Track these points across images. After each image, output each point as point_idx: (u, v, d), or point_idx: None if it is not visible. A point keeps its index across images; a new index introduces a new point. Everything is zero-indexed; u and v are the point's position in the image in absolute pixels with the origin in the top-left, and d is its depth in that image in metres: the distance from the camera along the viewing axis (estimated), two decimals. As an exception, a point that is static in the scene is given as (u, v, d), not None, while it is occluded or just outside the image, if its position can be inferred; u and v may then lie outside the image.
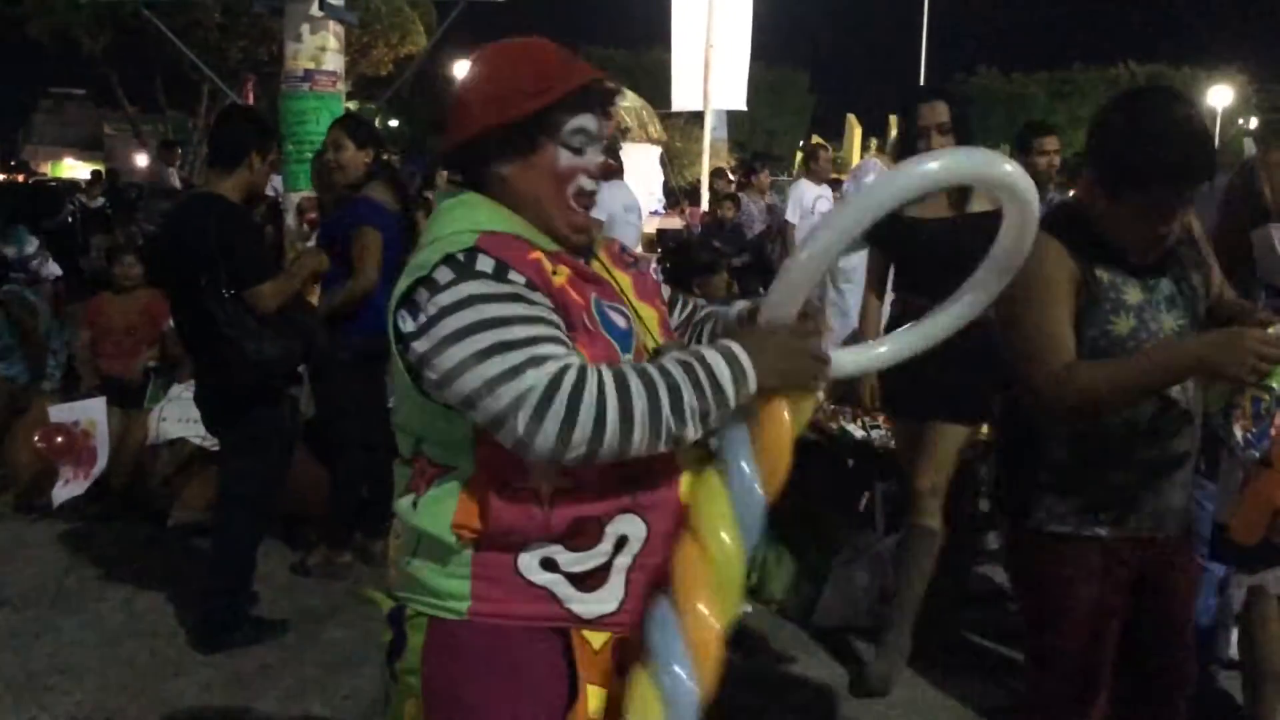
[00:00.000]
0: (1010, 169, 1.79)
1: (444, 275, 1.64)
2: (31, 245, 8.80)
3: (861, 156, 13.71)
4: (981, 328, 3.76)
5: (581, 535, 1.71)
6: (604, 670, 1.75)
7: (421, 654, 1.77)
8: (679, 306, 2.08)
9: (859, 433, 4.96)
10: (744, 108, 7.93)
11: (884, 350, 2.06)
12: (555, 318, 1.66)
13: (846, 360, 1.97)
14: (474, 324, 1.59)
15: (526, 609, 1.72)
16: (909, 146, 3.86)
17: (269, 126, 4.59)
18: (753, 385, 1.66)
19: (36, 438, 5.64)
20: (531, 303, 1.64)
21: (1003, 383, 2.58)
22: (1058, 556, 2.43)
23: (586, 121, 1.78)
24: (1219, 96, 40.43)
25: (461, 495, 1.70)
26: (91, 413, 5.75)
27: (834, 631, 4.42)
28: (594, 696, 1.74)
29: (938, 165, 1.73)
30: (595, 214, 1.87)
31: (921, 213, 3.72)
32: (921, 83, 34.71)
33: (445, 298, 1.62)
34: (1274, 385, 2.14)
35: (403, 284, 1.69)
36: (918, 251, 3.89)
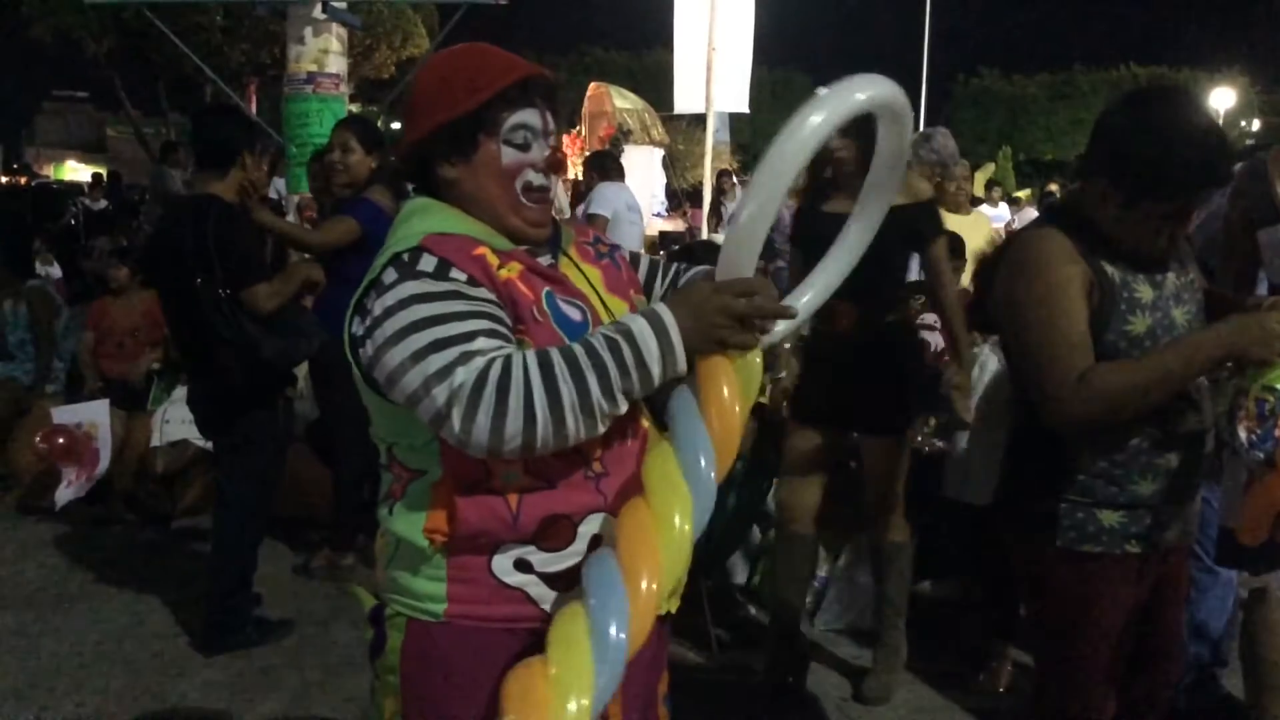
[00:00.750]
0: (888, 87, 1.79)
1: (389, 276, 1.67)
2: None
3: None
4: (891, 342, 3.78)
5: (554, 536, 1.70)
6: None
7: (400, 653, 1.78)
8: (665, 274, 2.06)
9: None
10: (746, 110, 7.93)
11: (807, 299, 2.01)
12: (498, 312, 1.67)
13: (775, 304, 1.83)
14: (411, 324, 1.61)
15: (502, 610, 1.73)
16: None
17: (251, 120, 4.58)
18: (680, 359, 1.64)
19: (39, 439, 5.64)
20: (471, 298, 1.65)
21: (1016, 392, 2.52)
22: (1087, 575, 2.36)
23: (527, 117, 1.80)
24: (1221, 99, 40.38)
25: (431, 499, 1.71)
26: (94, 414, 5.76)
27: (837, 633, 4.42)
28: None
29: (827, 106, 1.73)
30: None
31: (835, 208, 3.70)
32: (924, 85, 34.78)
33: (388, 298, 1.65)
34: (1279, 386, 2.14)
35: (359, 291, 1.72)
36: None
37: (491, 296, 1.68)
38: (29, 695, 3.85)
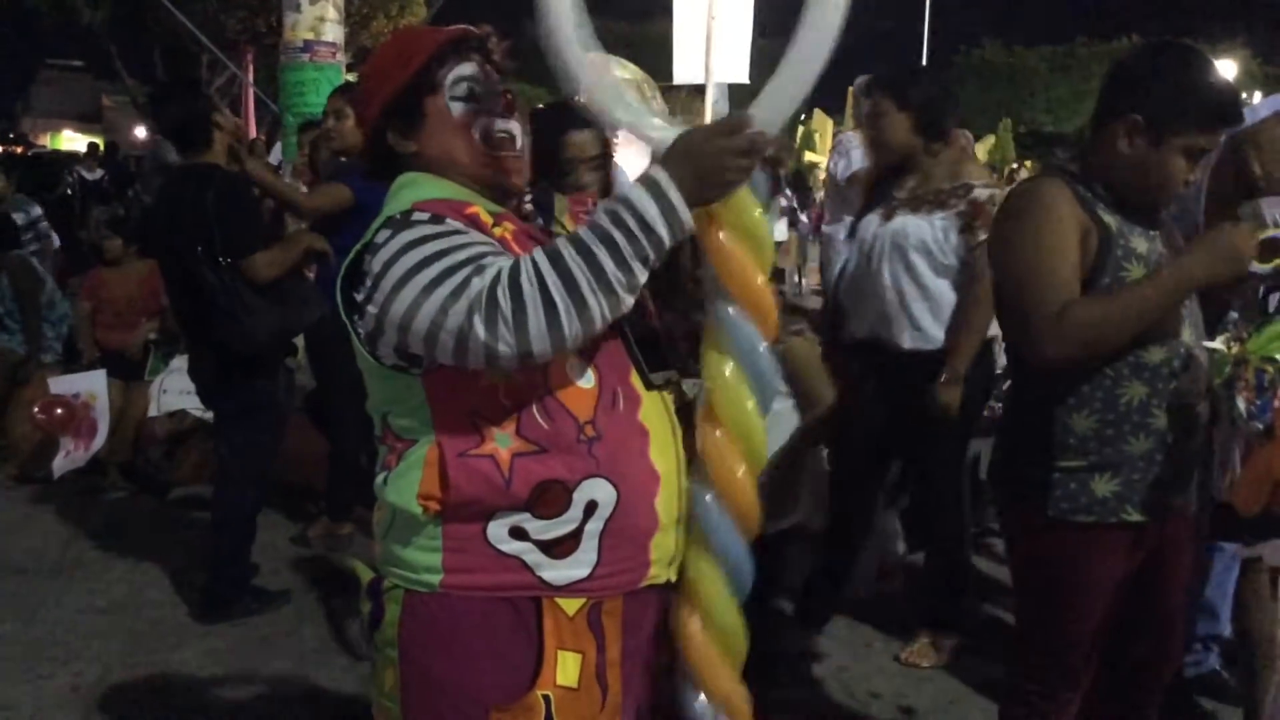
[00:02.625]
0: None
1: (383, 235, 1.69)
2: (35, 210, 8.83)
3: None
4: None
5: (548, 502, 1.70)
6: (579, 634, 1.75)
7: (398, 626, 1.78)
8: None
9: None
10: (747, 80, 7.86)
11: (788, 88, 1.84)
12: (499, 247, 1.69)
13: (759, 116, 1.74)
14: (416, 264, 1.61)
15: (498, 579, 1.72)
16: (560, 173, 3.62)
17: (195, 82, 4.57)
18: (684, 215, 1.61)
19: (37, 409, 5.64)
20: (470, 234, 1.68)
21: (1011, 357, 2.55)
22: (1078, 545, 2.37)
23: (465, 69, 1.83)
24: (1222, 71, 40.23)
25: (425, 467, 1.70)
26: (92, 385, 5.76)
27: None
28: (568, 662, 1.74)
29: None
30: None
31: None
32: (924, 58, 34.61)
33: (385, 252, 1.65)
34: (1278, 356, 2.14)
35: (350, 257, 1.73)
36: None
37: (491, 238, 1.69)
38: (28, 664, 3.86)
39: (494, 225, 1.74)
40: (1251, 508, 2.39)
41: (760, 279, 1.76)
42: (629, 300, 1.62)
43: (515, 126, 1.86)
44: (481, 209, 1.76)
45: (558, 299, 1.55)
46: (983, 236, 3.41)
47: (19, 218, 8.56)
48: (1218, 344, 2.36)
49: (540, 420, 1.68)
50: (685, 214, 1.61)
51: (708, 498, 1.79)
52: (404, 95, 1.81)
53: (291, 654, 3.96)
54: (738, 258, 1.74)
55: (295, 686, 3.75)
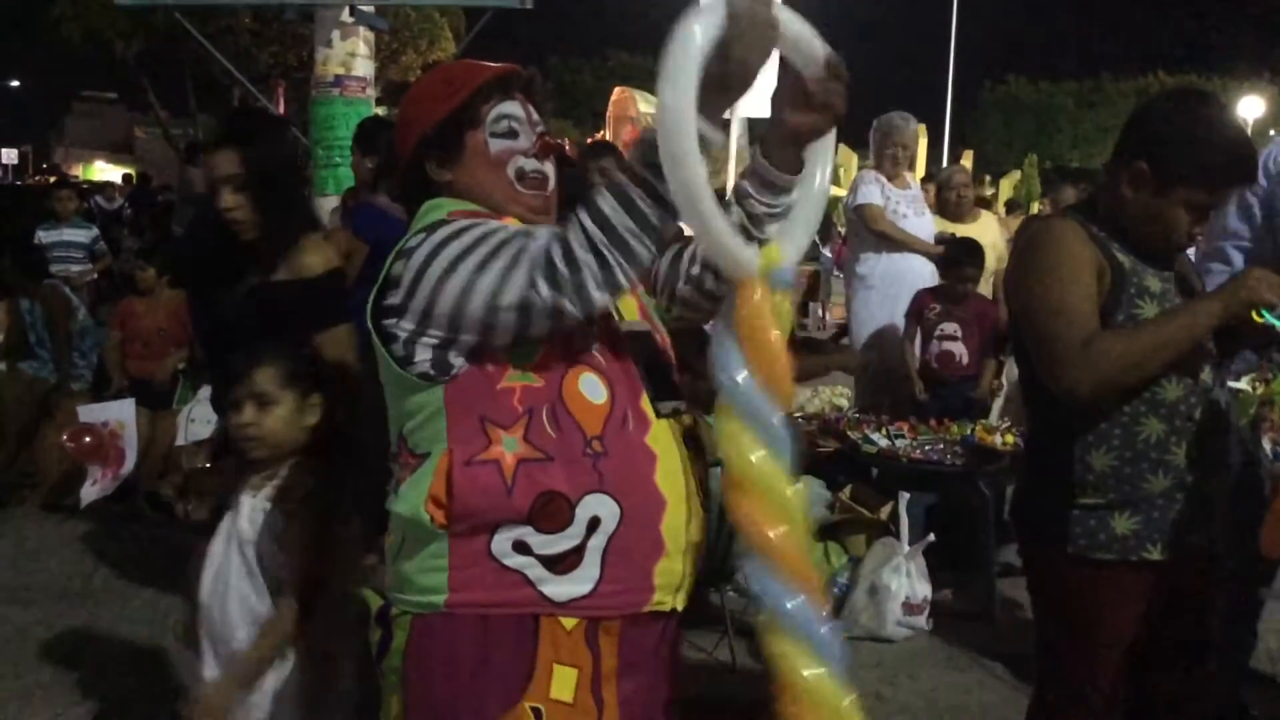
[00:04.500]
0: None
1: (418, 239, 1.75)
2: (94, 231, 9.20)
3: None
4: None
5: (550, 515, 1.70)
6: (576, 650, 1.76)
7: (403, 652, 1.80)
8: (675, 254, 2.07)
9: (883, 441, 4.95)
10: (768, 115, 7.89)
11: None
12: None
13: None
14: (464, 249, 1.70)
15: (501, 595, 1.73)
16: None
17: (280, 119, 4.64)
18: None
19: (65, 437, 5.68)
20: (506, 224, 1.77)
21: (1030, 394, 2.54)
22: (1098, 583, 2.36)
23: (508, 108, 1.89)
24: (1250, 108, 40.15)
25: (434, 475, 1.73)
26: (120, 413, 5.80)
27: (857, 640, 4.41)
28: (563, 676, 1.75)
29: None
30: None
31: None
32: (950, 92, 34.66)
33: (425, 248, 1.72)
34: None
35: (384, 272, 1.77)
36: None
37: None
38: (51, 692, 3.88)
39: None
40: (1277, 551, 2.38)
41: (781, 350, 1.74)
42: (662, 236, 1.68)
43: (549, 169, 1.92)
44: (514, 220, 1.83)
45: (609, 256, 1.63)
46: None
47: (82, 237, 8.86)
48: (1243, 384, 2.35)
49: (549, 428, 1.71)
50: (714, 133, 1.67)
51: (755, 563, 1.73)
52: (445, 126, 1.86)
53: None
54: (761, 328, 1.73)
55: (317, 718, 3.74)
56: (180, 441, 5.84)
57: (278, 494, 2.51)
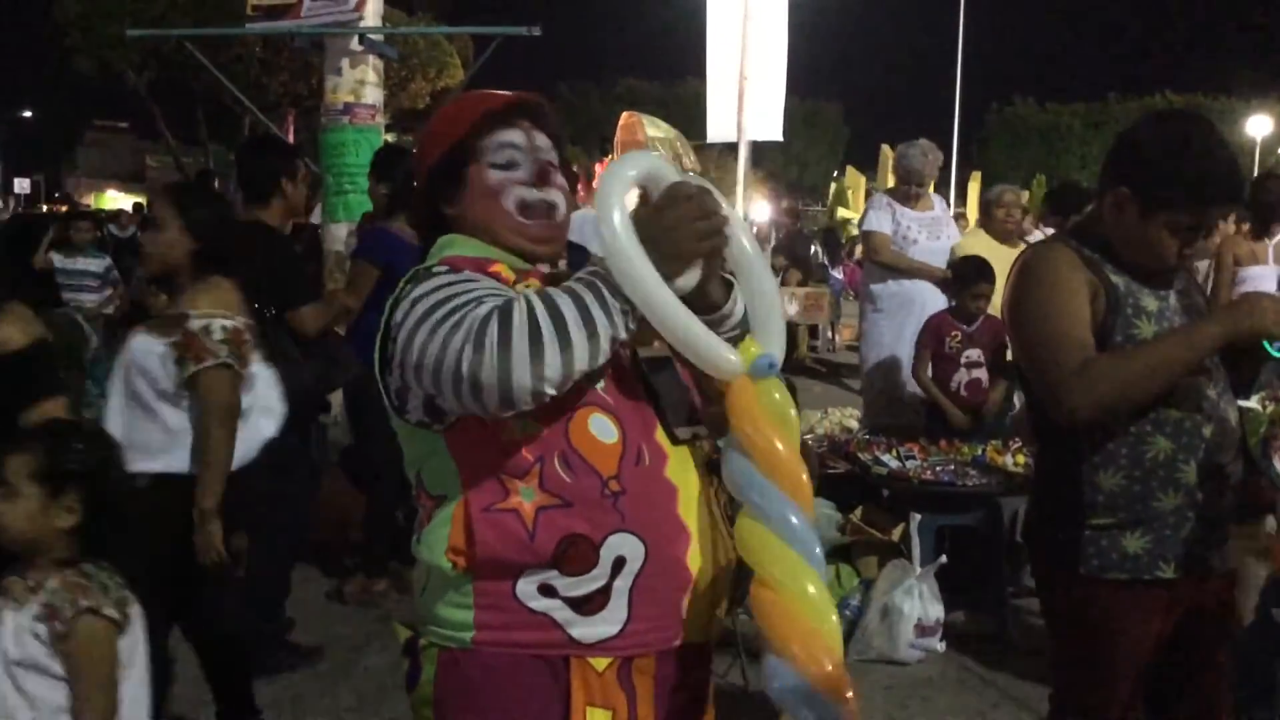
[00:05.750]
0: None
1: (406, 290, 1.74)
2: (107, 260, 9.27)
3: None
4: None
5: (574, 559, 1.69)
6: (609, 692, 1.75)
7: (433, 685, 1.79)
8: None
9: (894, 463, 4.94)
10: (780, 139, 7.91)
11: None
12: (507, 290, 1.72)
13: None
14: (429, 308, 1.66)
15: (528, 636, 1.73)
16: None
17: (290, 147, 4.70)
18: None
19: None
20: (483, 281, 1.72)
21: (1037, 417, 2.54)
22: (1112, 604, 2.36)
23: (510, 136, 1.87)
24: (1258, 127, 40.16)
25: (452, 522, 1.72)
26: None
27: (869, 663, 4.39)
28: (598, 718, 1.74)
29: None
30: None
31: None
32: (957, 114, 34.71)
33: (405, 304, 1.70)
34: None
35: (384, 317, 1.77)
36: None
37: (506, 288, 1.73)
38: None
39: (515, 282, 1.77)
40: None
41: (790, 454, 1.71)
42: (609, 350, 1.64)
43: (554, 196, 1.88)
44: (505, 267, 1.80)
45: (544, 330, 1.57)
46: (194, 368, 3.09)
47: (96, 266, 8.96)
48: (1253, 403, 2.35)
49: (563, 474, 1.69)
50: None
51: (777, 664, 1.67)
52: (447, 161, 1.86)
53: (326, 711, 3.96)
54: (767, 437, 1.70)
55: (329, 744, 3.74)
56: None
57: (44, 612, 2.22)
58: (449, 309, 1.63)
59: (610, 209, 1.64)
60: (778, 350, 1.79)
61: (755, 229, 14.91)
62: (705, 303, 1.74)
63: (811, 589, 1.66)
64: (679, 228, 1.65)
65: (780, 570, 1.66)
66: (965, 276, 5.57)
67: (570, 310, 1.59)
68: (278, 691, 4.09)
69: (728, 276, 1.82)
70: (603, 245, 1.64)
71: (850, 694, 1.65)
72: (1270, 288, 5.70)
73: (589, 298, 1.61)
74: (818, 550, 1.69)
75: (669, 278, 1.65)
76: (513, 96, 1.89)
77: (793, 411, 1.76)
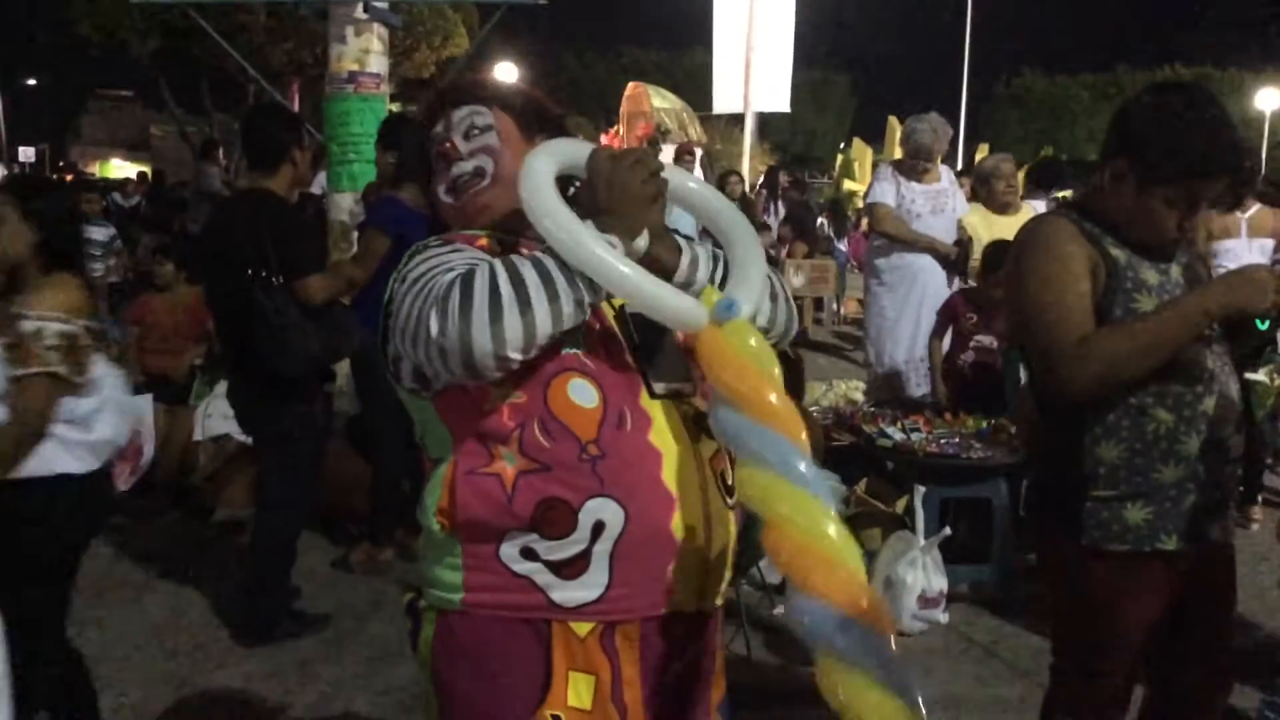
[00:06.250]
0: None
1: (404, 263, 1.80)
2: (111, 229, 9.33)
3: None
4: None
5: (553, 522, 1.70)
6: (591, 656, 1.76)
7: (430, 645, 1.82)
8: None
9: (898, 435, 4.94)
10: (787, 110, 7.86)
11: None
12: (487, 258, 1.75)
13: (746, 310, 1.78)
14: (415, 278, 1.72)
15: (512, 599, 1.74)
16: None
17: (298, 118, 4.67)
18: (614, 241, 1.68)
19: (84, 433, 5.72)
20: (471, 250, 1.79)
21: (1038, 392, 2.54)
22: (1114, 575, 2.37)
23: (436, 130, 1.96)
24: (1267, 99, 39.88)
25: (442, 485, 1.75)
26: (138, 409, 5.83)
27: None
28: (580, 683, 1.75)
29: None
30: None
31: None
32: (964, 86, 34.54)
33: (400, 275, 1.77)
34: None
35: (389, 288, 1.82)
36: None
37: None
38: (73, 684, 3.90)
39: (503, 254, 1.78)
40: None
41: (778, 397, 1.66)
42: (573, 311, 1.65)
43: (470, 164, 1.91)
44: (489, 239, 1.85)
45: (503, 294, 1.60)
46: (17, 372, 2.82)
47: (100, 234, 8.98)
48: (1260, 376, 2.35)
49: (542, 439, 1.70)
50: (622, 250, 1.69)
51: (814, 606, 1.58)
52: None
53: (331, 678, 3.99)
54: (749, 383, 1.66)
55: (334, 711, 3.77)
56: (198, 437, 5.89)
57: None
58: (428, 278, 1.69)
59: (537, 198, 1.68)
60: (749, 302, 1.77)
61: (762, 196, 14.85)
62: (657, 268, 1.75)
63: (825, 522, 1.59)
64: (626, 184, 1.70)
65: (788, 506, 1.61)
66: (990, 264, 5.44)
67: (531, 274, 1.63)
68: (283, 658, 4.13)
69: (679, 240, 1.83)
70: (541, 230, 1.67)
71: (888, 619, 1.60)
72: (1244, 261, 5.68)
73: (550, 263, 1.64)
74: (825, 483, 1.64)
75: (630, 236, 1.69)
76: (434, 92, 2.01)
77: (771, 354, 1.72)
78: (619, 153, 1.75)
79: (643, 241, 1.72)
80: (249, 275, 4.03)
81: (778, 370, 1.70)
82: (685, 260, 1.81)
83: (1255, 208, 6.15)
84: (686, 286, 1.80)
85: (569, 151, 1.78)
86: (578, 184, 1.81)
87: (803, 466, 1.62)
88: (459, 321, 1.59)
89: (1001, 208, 6.27)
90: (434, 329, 1.61)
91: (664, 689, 1.84)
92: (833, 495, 1.65)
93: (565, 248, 1.64)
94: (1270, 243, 5.98)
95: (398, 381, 1.81)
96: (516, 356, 1.62)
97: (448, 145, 1.92)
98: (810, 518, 1.60)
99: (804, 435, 1.66)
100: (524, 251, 1.77)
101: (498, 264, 1.64)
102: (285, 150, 4.22)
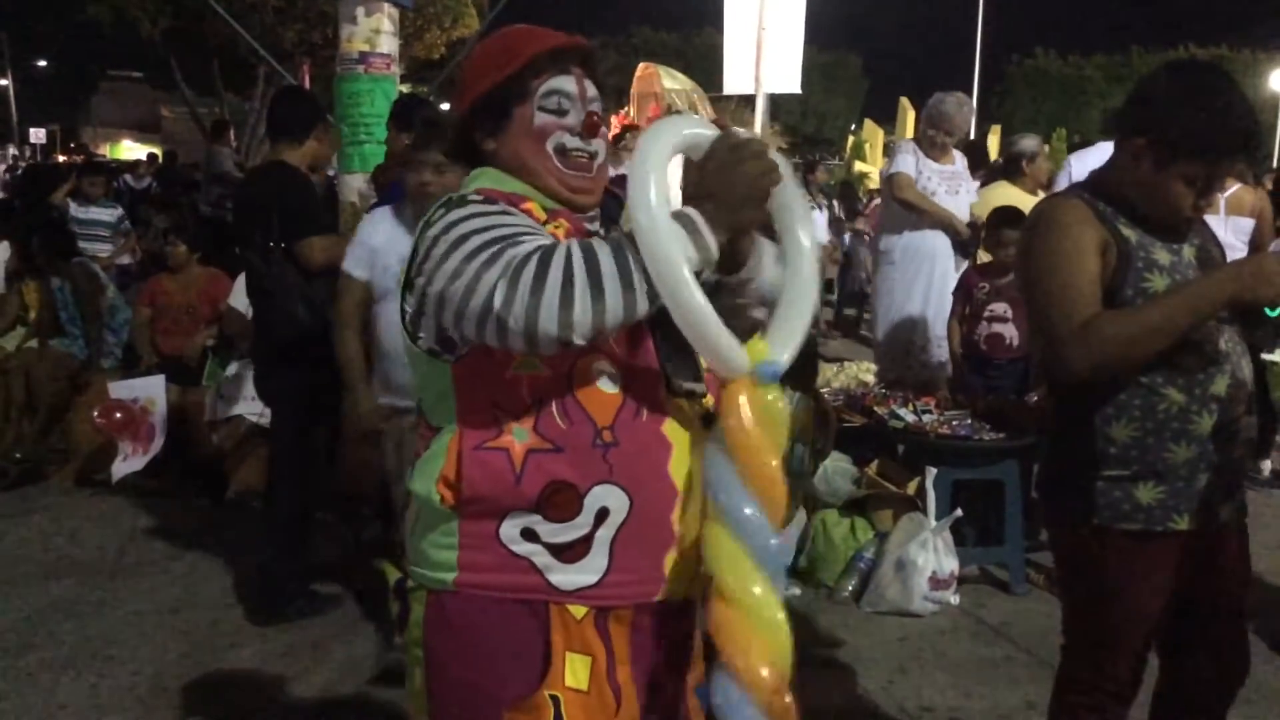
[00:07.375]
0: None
1: (438, 214, 1.71)
2: (119, 210, 9.36)
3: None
4: None
5: (558, 505, 1.70)
6: (587, 639, 1.76)
7: (422, 626, 1.81)
8: None
9: (910, 416, 4.94)
10: (798, 91, 7.83)
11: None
12: (543, 231, 1.69)
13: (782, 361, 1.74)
14: (462, 235, 1.63)
15: (509, 579, 1.74)
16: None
17: (319, 103, 4.71)
18: (711, 245, 1.61)
19: (96, 414, 5.76)
20: (518, 217, 1.69)
21: (1048, 371, 2.54)
22: (1125, 554, 2.37)
23: (560, 83, 1.82)
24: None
25: (446, 454, 1.72)
26: (151, 390, 5.86)
27: (882, 615, 4.42)
28: (577, 664, 1.75)
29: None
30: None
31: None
32: (977, 66, 34.35)
33: (436, 227, 1.68)
34: None
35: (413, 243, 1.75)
36: None
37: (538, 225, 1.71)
38: (86, 663, 3.94)
39: (546, 222, 1.75)
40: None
41: (775, 466, 1.68)
42: (646, 306, 1.59)
43: (596, 146, 1.85)
44: (536, 205, 1.78)
45: (578, 281, 1.53)
46: None
47: (108, 216, 9.02)
48: (1276, 357, 2.34)
49: (558, 419, 1.69)
50: (713, 246, 1.61)
51: (727, 685, 1.66)
52: (494, 96, 1.82)
53: (344, 659, 4.00)
54: (755, 442, 1.66)
55: (347, 690, 3.79)
56: (209, 417, 5.91)
57: None
58: (484, 240, 1.61)
59: (645, 185, 1.59)
60: (788, 353, 1.72)
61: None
62: (729, 259, 1.72)
63: (775, 610, 1.65)
64: (741, 177, 1.63)
65: (744, 586, 1.64)
66: (994, 225, 5.42)
67: (609, 263, 1.56)
68: (297, 638, 4.15)
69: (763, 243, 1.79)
70: (634, 222, 1.60)
71: (792, 707, 1.65)
72: (1221, 238, 5.63)
73: (631, 256, 1.57)
74: (776, 556, 1.67)
75: (728, 231, 1.63)
76: (569, 40, 1.85)
77: (786, 425, 1.72)
78: (741, 142, 1.66)
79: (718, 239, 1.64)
80: (253, 239, 4.10)
81: (783, 441, 1.71)
82: (754, 266, 1.78)
83: (1235, 186, 6.11)
84: (743, 285, 1.77)
85: (692, 132, 1.71)
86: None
87: (772, 544, 1.66)
88: (529, 298, 1.53)
89: (1034, 189, 6.25)
90: (498, 300, 1.54)
91: (651, 670, 1.85)
92: (784, 579, 1.70)
93: (649, 249, 1.57)
94: (1247, 221, 5.91)
95: (414, 341, 1.75)
96: (582, 341, 1.58)
97: (597, 116, 1.85)
98: (764, 603, 1.65)
99: (782, 514, 1.68)
100: (565, 223, 1.76)
101: (574, 247, 1.57)
102: (310, 127, 4.29)
